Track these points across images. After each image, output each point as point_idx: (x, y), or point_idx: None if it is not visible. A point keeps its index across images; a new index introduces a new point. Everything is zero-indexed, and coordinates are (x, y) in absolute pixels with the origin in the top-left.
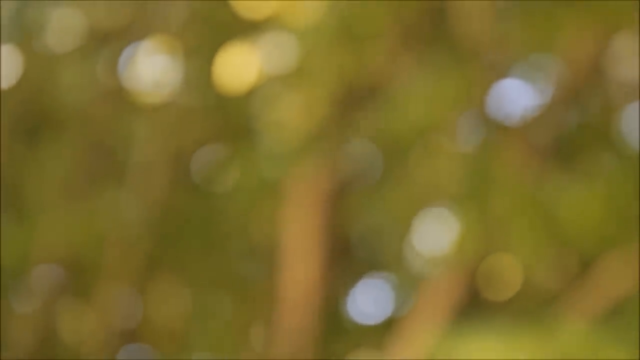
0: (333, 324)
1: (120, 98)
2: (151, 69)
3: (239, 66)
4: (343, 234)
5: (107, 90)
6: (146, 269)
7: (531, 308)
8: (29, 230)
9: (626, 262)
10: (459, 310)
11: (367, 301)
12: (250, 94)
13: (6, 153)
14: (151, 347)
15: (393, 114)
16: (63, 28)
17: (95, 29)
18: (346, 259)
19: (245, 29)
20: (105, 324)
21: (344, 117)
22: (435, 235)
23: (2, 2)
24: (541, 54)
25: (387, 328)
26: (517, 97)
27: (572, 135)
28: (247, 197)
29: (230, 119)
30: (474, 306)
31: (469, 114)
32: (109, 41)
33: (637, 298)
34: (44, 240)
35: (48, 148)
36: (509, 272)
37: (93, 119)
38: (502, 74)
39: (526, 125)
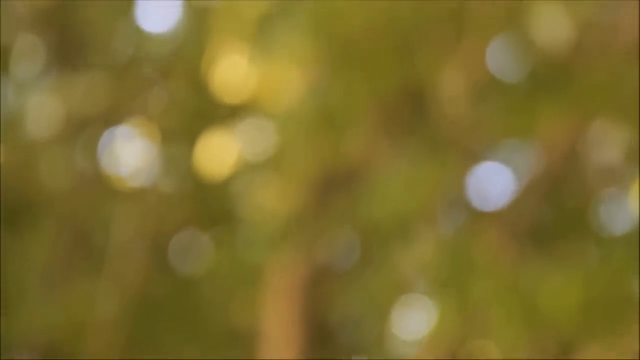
0: None
1: (99, 183)
2: (130, 154)
3: (218, 152)
4: (323, 319)
5: (87, 176)
6: (125, 355)
7: None
8: (8, 317)
9: (605, 350)
10: None
11: None
12: (229, 180)
13: None
14: None
15: (372, 200)
16: (42, 115)
17: (75, 115)
18: (326, 345)
19: (224, 114)
20: None
21: (323, 203)
22: (414, 321)
23: None
24: (519, 140)
25: None
26: (495, 182)
27: (551, 221)
28: (227, 283)
29: (209, 205)
30: None
31: (447, 200)
32: (88, 127)
33: None
34: (23, 327)
35: (28, 234)
36: (488, 359)
37: (73, 205)
38: (481, 159)
39: (505, 210)
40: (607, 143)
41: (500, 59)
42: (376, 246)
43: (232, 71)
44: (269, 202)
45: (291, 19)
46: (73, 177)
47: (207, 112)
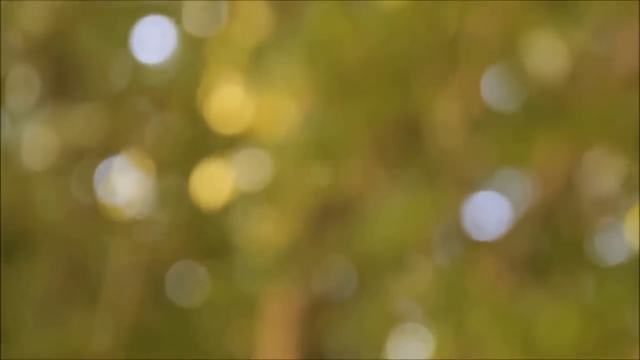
0: None
1: (95, 214)
2: (126, 184)
3: (213, 182)
4: (319, 349)
5: (82, 207)
6: None
7: None
8: (5, 347)
9: None
10: None
11: None
12: (225, 210)
13: None
14: None
15: (367, 230)
16: (38, 146)
17: (70, 145)
18: None
19: (220, 144)
20: None
21: (319, 232)
22: (411, 350)
23: None
24: (515, 169)
25: None
26: (491, 211)
27: (547, 251)
28: (223, 313)
29: (204, 235)
30: None
31: (443, 229)
32: (83, 157)
33: None
34: (19, 358)
35: (24, 265)
36: None
37: (68, 236)
38: (476, 188)
39: (500, 240)
40: (603, 173)
41: (495, 88)
42: (372, 276)
43: (228, 101)
44: (265, 232)
45: (287, 49)
46: (68, 208)
47: (203, 142)
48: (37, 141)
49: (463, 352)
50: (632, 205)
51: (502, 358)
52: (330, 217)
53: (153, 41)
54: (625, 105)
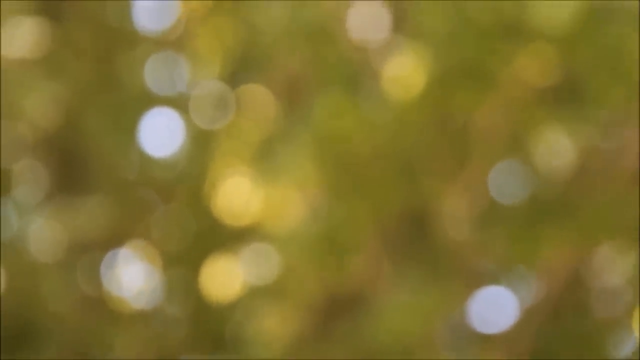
0: None
1: (101, 306)
2: (132, 277)
3: (220, 275)
4: None
5: (89, 299)
6: None
7: None
8: None
9: None
10: None
11: None
12: (232, 303)
13: None
14: None
15: (374, 324)
16: (44, 238)
17: (76, 238)
18: None
19: (227, 237)
20: None
21: (325, 325)
22: None
23: None
24: (522, 264)
25: None
26: (498, 306)
27: (553, 345)
28: None
29: (211, 328)
30: None
31: (450, 323)
32: (90, 250)
33: None
34: None
35: (30, 357)
36: None
37: (74, 328)
38: (483, 282)
39: (507, 334)
40: (611, 268)
41: (503, 183)
42: None
43: (235, 193)
44: (272, 325)
45: (294, 142)
46: (75, 300)
47: (210, 235)
48: (44, 233)
49: None
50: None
51: None
52: (336, 311)
53: (160, 133)
54: (634, 201)
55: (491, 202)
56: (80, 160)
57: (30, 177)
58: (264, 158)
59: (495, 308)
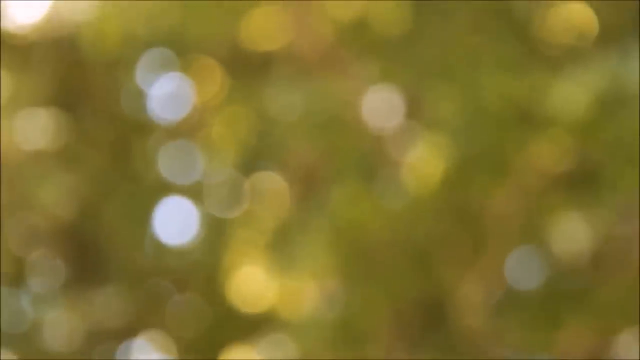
0: None
1: None
2: None
3: None
4: None
5: None
6: None
7: None
8: None
9: None
10: None
11: None
12: None
13: None
14: None
15: None
16: (59, 328)
17: (92, 327)
18: None
19: (243, 325)
20: None
21: None
22: None
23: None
24: (539, 351)
25: None
26: None
27: None
28: None
29: None
30: None
31: None
32: (105, 339)
33: None
34: None
35: None
36: None
37: None
38: None
39: None
40: (631, 355)
41: (519, 270)
42: None
43: (250, 282)
44: None
45: (309, 230)
46: None
47: (225, 324)
48: (60, 323)
49: None
50: None
51: None
52: None
53: (175, 222)
54: None
55: (508, 288)
56: (96, 250)
57: (45, 267)
58: (279, 246)
59: None
